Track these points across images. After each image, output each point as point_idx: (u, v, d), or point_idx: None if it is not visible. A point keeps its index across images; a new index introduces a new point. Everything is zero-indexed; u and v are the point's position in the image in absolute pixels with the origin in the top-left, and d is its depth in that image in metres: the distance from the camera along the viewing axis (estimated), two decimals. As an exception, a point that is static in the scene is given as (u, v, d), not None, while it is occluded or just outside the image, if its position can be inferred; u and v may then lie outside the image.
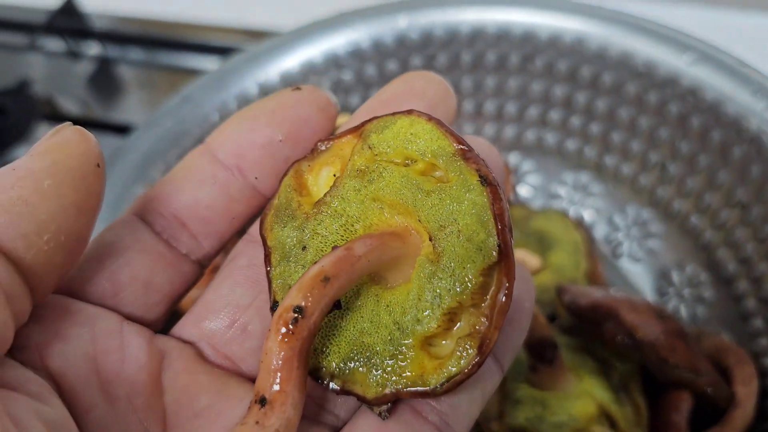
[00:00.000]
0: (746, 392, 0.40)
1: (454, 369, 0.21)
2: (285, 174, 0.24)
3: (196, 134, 0.48)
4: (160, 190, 0.25)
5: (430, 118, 0.23)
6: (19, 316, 0.19)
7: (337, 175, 0.24)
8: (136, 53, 0.78)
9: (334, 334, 0.23)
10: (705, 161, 0.46)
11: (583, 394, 0.39)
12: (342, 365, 0.22)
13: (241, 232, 0.26)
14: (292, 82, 0.50)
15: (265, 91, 0.50)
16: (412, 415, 0.23)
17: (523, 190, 0.55)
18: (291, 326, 0.20)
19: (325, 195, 0.24)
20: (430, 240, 0.22)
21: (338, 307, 0.22)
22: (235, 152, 0.25)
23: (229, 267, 0.25)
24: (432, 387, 0.21)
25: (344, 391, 0.22)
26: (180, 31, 0.77)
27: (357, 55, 0.51)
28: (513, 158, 0.54)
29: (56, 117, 0.71)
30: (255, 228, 0.26)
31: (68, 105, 0.73)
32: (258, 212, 0.26)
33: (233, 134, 0.25)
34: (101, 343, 0.21)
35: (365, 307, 0.23)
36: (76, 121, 0.22)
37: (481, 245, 0.21)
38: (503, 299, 0.21)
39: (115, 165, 0.46)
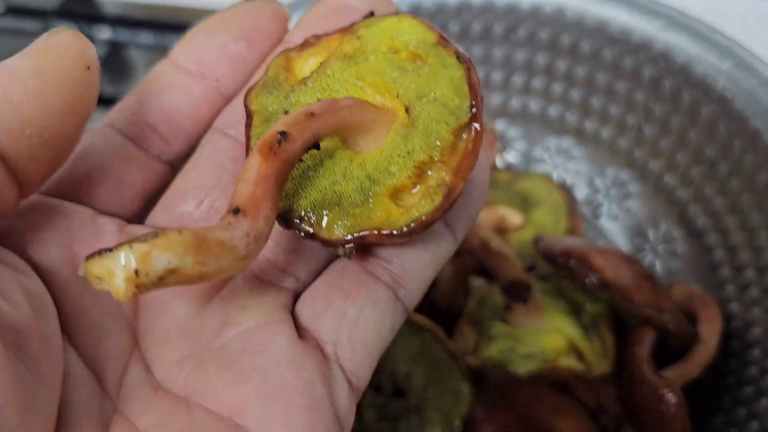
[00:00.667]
0: (709, 330, 0.43)
1: (417, 213, 0.22)
2: (275, 58, 0.26)
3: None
4: (129, 100, 0.27)
5: (417, 17, 0.25)
6: (5, 206, 0.20)
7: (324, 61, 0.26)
8: (145, 37, 0.81)
9: (307, 183, 0.24)
10: (677, 122, 0.49)
11: (554, 330, 0.42)
12: (311, 210, 0.24)
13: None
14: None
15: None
16: (366, 275, 0.24)
17: (510, 156, 0.57)
18: (274, 147, 0.21)
19: (311, 72, 0.26)
20: (407, 112, 0.24)
21: (317, 147, 0.23)
22: (196, 59, 0.27)
23: (195, 156, 0.27)
24: (397, 228, 0.22)
25: (310, 235, 0.23)
26: (188, 15, 0.80)
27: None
28: (499, 125, 0.57)
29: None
30: (218, 120, 0.27)
31: (81, 85, 0.77)
32: (220, 112, 0.27)
33: (193, 44, 0.27)
34: (76, 231, 0.23)
35: (338, 165, 0.24)
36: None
37: (454, 109, 0.23)
38: (471, 155, 0.22)
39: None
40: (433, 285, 0.48)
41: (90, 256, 0.18)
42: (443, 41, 0.24)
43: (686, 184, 0.50)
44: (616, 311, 0.44)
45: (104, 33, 0.82)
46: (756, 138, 0.44)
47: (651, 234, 0.52)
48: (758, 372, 0.40)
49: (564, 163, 0.56)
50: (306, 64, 0.26)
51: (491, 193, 0.54)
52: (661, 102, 0.50)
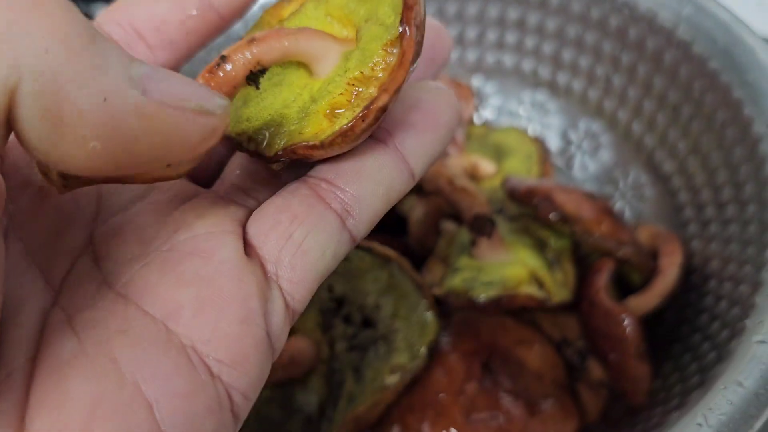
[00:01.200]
0: (668, 262, 0.44)
1: (341, 123, 0.23)
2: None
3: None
4: (120, 3, 0.27)
5: None
6: None
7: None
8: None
9: (262, 108, 0.26)
10: (642, 70, 0.51)
11: (517, 262, 0.44)
12: (259, 131, 0.25)
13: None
14: None
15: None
16: (316, 200, 0.25)
17: (487, 112, 0.59)
18: (213, 70, 0.23)
19: (289, 14, 0.27)
20: (356, 33, 0.25)
21: (261, 73, 0.24)
22: None
23: None
24: (320, 140, 0.23)
25: (253, 153, 0.25)
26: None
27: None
28: (476, 81, 0.59)
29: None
30: None
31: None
32: (214, 32, 0.28)
33: None
34: None
35: (292, 90, 0.26)
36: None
37: (389, 25, 0.24)
38: (399, 68, 0.23)
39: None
40: (406, 229, 0.50)
41: None
42: None
43: (652, 130, 0.51)
44: (580, 246, 0.45)
45: (101, 10, 0.85)
46: (714, 79, 0.45)
47: (620, 181, 0.54)
48: (713, 300, 0.42)
49: (539, 117, 0.57)
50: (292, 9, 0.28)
51: (466, 145, 0.56)
52: (627, 51, 0.51)
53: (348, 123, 0.23)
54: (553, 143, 0.57)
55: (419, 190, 0.48)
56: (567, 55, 0.55)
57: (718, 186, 0.45)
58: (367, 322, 0.44)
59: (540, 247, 0.46)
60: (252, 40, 0.24)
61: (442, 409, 0.41)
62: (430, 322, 0.43)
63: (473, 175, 0.53)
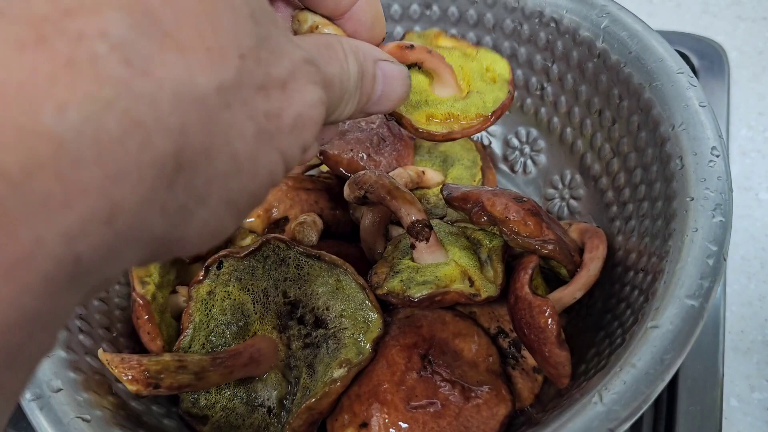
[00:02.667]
0: (591, 257, 0.48)
1: (432, 129, 0.38)
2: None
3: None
4: None
5: (509, 64, 0.43)
6: None
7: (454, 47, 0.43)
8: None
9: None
10: (570, 79, 0.55)
11: (451, 263, 0.48)
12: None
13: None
14: None
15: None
16: None
17: (437, 123, 0.63)
18: (404, 48, 0.37)
19: (443, 47, 0.42)
20: (468, 93, 0.40)
21: (418, 67, 0.39)
22: None
23: None
24: (416, 126, 0.38)
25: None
26: None
27: None
28: (425, 95, 0.63)
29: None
30: None
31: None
32: None
33: None
34: None
35: (421, 82, 0.39)
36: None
37: (487, 107, 0.39)
38: (473, 129, 0.39)
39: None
40: (358, 236, 0.54)
41: None
42: (512, 82, 0.41)
43: (582, 135, 0.55)
44: (509, 245, 0.49)
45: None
46: (629, 85, 0.49)
47: (559, 182, 0.58)
48: (629, 290, 0.46)
49: (484, 126, 0.62)
50: (446, 42, 0.42)
51: (416, 155, 0.60)
52: (557, 62, 0.55)
53: (431, 131, 0.38)
54: (497, 150, 0.61)
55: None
56: (505, 67, 0.59)
57: (636, 185, 0.49)
58: (319, 323, 0.48)
59: (475, 247, 0.50)
60: (430, 51, 0.37)
61: (384, 398, 0.45)
62: (374, 320, 0.47)
63: (423, 186, 0.57)
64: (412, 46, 0.36)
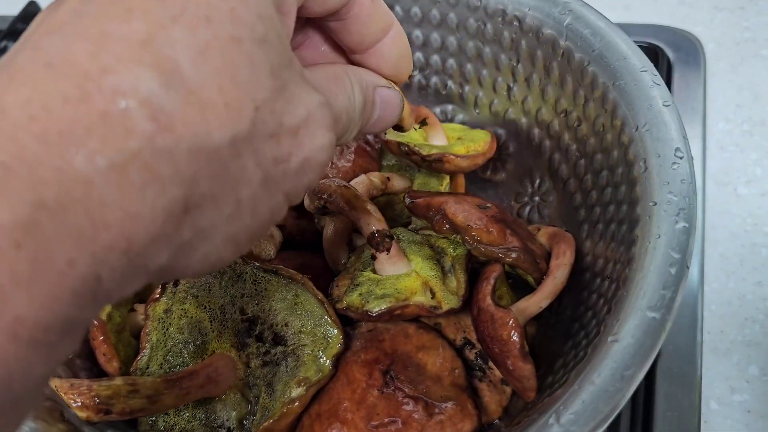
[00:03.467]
0: (557, 263, 0.47)
1: None
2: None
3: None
4: None
5: None
6: None
7: None
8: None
9: None
10: (536, 79, 0.53)
11: (413, 274, 0.46)
12: None
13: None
14: None
15: None
16: None
17: (405, 126, 0.62)
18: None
19: None
20: None
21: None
22: None
23: None
24: None
25: None
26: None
27: None
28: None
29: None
30: None
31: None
32: None
33: None
34: None
35: None
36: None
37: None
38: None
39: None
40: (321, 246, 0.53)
41: None
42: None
43: (550, 136, 0.53)
44: (473, 254, 0.48)
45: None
46: (593, 83, 0.47)
47: (528, 186, 0.56)
48: (596, 298, 0.44)
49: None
50: None
51: (383, 161, 0.59)
52: (522, 62, 0.54)
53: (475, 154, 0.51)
54: (467, 152, 0.59)
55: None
56: (470, 68, 0.57)
57: (603, 187, 0.47)
58: (278, 339, 0.47)
59: (438, 256, 0.48)
60: (429, 113, 0.51)
61: (345, 417, 0.44)
62: (334, 336, 0.45)
63: (387, 190, 0.56)
64: (419, 106, 0.52)
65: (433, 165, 0.51)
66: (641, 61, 0.46)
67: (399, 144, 0.44)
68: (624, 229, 0.43)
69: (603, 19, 0.48)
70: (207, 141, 0.21)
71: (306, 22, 0.33)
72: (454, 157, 0.51)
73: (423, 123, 0.49)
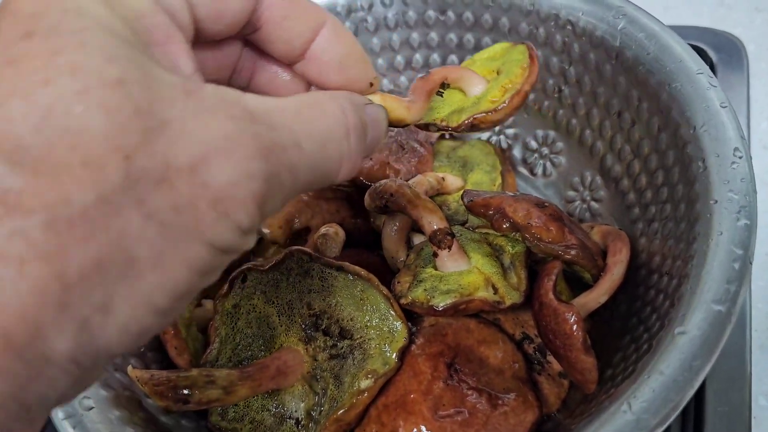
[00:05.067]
0: (614, 261, 0.48)
1: (504, 99, 0.40)
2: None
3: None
4: None
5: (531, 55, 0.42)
6: None
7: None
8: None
9: (443, 105, 0.42)
10: (588, 81, 0.54)
11: (475, 270, 0.48)
12: (445, 116, 0.42)
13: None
14: None
15: None
16: None
17: (455, 128, 0.63)
18: (424, 77, 0.41)
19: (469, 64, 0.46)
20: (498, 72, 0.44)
21: (444, 87, 0.42)
22: None
23: None
24: (495, 107, 0.40)
25: (443, 127, 0.42)
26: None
27: None
28: (442, 100, 0.63)
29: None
30: None
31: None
32: None
33: None
34: None
35: (453, 101, 0.43)
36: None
37: (522, 60, 0.42)
38: (530, 74, 0.41)
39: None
40: (380, 244, 0.55)
41: None
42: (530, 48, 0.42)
43: (602, 137, 0.55)
44: (532, 251, 0.49)
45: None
46: (647, 87, 0.49)
47: (579, 185, 0.57)
48: (654, 294, 0.45)
49: (501, 130, 0.62)
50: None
51: (435, 161, 0.60)
52: (574, 64, 0.55)
53: (512, 94, 0.40)
54: (517, 153, 0.61)
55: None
56: (521, 70, 0.59)
57: (658, 186, 0.49)
58: (344, 334, 0.48)
59: (497, 254, 0.50)
60: (445, 68, 0.41)
61: (412, 408, 0.45)
62: (399, 331, 0.47)
63: (442, 191, 0.57)
64: (429, 73, 0.41)
65: (472, 131, 0.45)
66: (697, 64, 0.47)
67: (427, 125, 0.41)
68: (683, 227, 0.44)
69: (657, 22, 0.50)
70: (66, 208, 0.19)
71: (245, 44, 0.31)
72: (485, 114, 0.40)
73: (444, 86, 0.44)
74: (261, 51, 0.32)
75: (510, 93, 0.40)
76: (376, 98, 0.33)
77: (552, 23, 0.55)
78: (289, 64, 0.32)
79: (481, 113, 0.40)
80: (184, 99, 0.22)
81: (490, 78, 0.43)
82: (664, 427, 0.36)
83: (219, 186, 0.22)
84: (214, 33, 0.28)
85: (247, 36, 0.30)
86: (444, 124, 0.41)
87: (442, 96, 0.42)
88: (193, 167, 0.21)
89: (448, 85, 0.41)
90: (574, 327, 0.44)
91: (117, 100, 0.20)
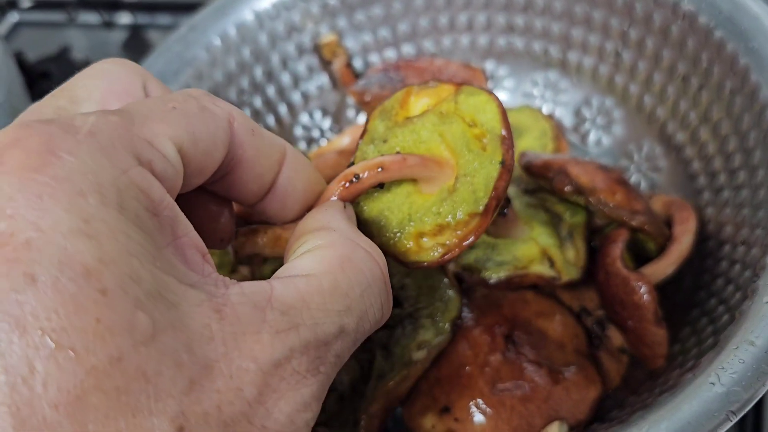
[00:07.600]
0: (682, 230, 0.45)
1: (424, 258, 0.32)
2: (400, 90, 0.36)
3: (203, 57, 0.56)
4: None
5: (500, 105, 0.33)
6: None
7: (428, 108, 0.35)
8: (163, 18, 0.87)
9: (370, 201, 0.34)
10: (651, 43, 0.51)
11: (530, 240, 0.45)
12: (366, 221, 0.34)
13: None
14: (284, 8, 0.58)
15: (260, 18, 0.57)
16: None
17: (501, 94, 0.60)
18: (347, 184, 0.31)
19: (414, 117, 0.34)
20: (456, 179, 0.33)
21: (381, 187, 0.34)
22: None
23: None
24: (406, 260, 0.33)
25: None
26: (200, -6, 0.85)
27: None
28: (489, 65, 0.60)
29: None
30: None
31: (105, 65, 0.82)
32: None
33: None
34: None
35: (398, 195, 0.34)
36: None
37: (478, 199, 0.32)
38: (471, 238, 0.32)
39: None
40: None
41: None
42: (505, 139, 0.32)
43: (663, 103, 0.52)
44: (594, 219, 0.47)
45: (125, 18, 0.88)
46: (721, 48, 0.46)
47: (635, 154, 0.55)
48: (728, 265, 0.43)
49: (552, 96, 0.59)
50: (419, 102, 0.35)
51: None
52: (635, 26, 0.52)
53: (427, 262, 0.32)
54: (567, 120, 0.58)
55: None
56: (576, 33, 0.56)
57: (729, 153, 0.46)
58: (394, 302, 0.46)
59: (555, 222, 0.47)
60: (380, 169, 0.32)
61: (468, 381, 0.43)
62: (452, 299, 0.44)
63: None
64: (357, 178, 0.32)
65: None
66: (776, 22, 0.44)
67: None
68: (762, 195, 0.41)
69: (730, -21, 0.47)
70: None
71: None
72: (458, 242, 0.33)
73: (502, 213, 0.41)
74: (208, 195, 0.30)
75: (436, 244, 0.32)
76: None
77: (613, -19, 0.52)
78: (251, 204, 0.30)
79: (393, 253, 0.33)
80: (218, 324, 0.20)
81: (447, 154, 0.33)
82: (755, 401, 0.33)
83: (276, 428, 0.21)
84: (193, 186, 0.26)
85: (208, 184, 0.28)
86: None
87: (382, 188, 0.34)
88: (247, 416, 0.20)
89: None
90: (645, 297, 0.41)
91: (155, 362, 0.18)
